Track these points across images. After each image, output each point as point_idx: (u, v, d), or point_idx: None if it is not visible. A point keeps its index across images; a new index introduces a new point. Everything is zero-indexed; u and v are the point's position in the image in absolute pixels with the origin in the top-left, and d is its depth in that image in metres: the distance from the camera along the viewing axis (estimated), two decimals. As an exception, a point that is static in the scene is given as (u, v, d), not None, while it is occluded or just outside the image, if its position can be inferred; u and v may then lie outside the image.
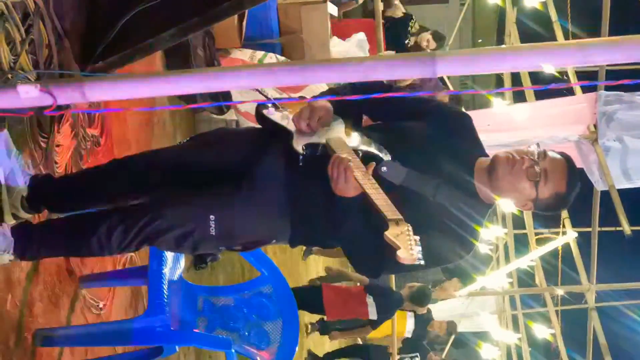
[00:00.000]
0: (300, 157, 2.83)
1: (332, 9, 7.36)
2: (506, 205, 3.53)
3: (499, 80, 14.12)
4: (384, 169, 2.73)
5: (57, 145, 3.59)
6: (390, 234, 2.31)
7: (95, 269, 3.99)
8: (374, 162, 2.69)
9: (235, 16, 5.86)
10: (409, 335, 10.05)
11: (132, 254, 4.45)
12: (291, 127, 2.90)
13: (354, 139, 2.84)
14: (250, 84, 1.65)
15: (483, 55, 1.56)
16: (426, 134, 2.98)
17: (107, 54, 3.67)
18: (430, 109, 3.13)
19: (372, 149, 2.79)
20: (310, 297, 8.47)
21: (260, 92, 3.21)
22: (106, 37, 3.66)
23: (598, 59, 1.56)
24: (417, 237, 2.31)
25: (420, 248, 2.28)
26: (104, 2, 3.97)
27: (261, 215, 2.92)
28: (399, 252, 2.27)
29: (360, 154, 2.73)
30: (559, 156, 2.95)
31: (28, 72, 3.23)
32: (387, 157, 2.77)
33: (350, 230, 2.80)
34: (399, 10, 9.48)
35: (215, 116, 5.94)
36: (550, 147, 3.00)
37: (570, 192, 2.95)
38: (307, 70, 1.62)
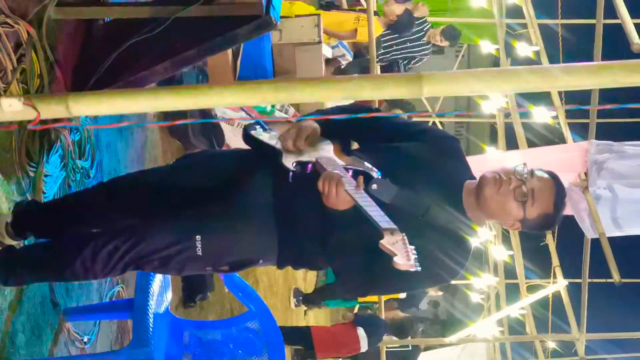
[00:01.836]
0: (290, 173, 2.81)
1: (326, 51, 7.42)
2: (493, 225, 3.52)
3: (492, 129, 14.21)
4: (374, 186, 2.70)
5: (46, 175, 3.58)
6: (386, 242, 2.32)
7: (81, 302, 3.94)
8: (363, 176, 2.68)
9: (230, 54, 5.88)
10: None
11: (120, 288, 4.43)
12: (279, 146, 2.89)
13: (344, 158, 2.83)
14: (236, 102, 1.64)
15: (469, 75, 1.56)
16: (415, 155, 2.96)
17: (99, 86, 3.66)
18: (418, 131, 3.11)
19: (362, 168, 2.78)
20: (299, 337, 8.43)
21: (247, 113, 3.20)
22: (99, 69, 3.66)
23: (582, 83, 1.56)
24: (413, 247, 2.31)
25: (416, 255, 2.28)
26: (98, 34, 3.99)
27: (248, 234, 2.89)
28: (395, 259, 2.28)
29: (351, 172, 2.72)
30: (546, 175, 2.92)
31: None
32: (377, 175, 2.76)
33: (339, 247, 2.79)
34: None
35: (204, 150, 5.94)
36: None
37: (558, 211, 2.93)
38: (295, 89, 1.62)
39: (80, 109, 1.66)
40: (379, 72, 7.06)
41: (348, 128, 2.97)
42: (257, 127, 2.99)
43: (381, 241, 2.33)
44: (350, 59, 8.66)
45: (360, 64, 8.61)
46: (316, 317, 11.61)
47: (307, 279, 11.63)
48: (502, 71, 1.60)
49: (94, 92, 1.65)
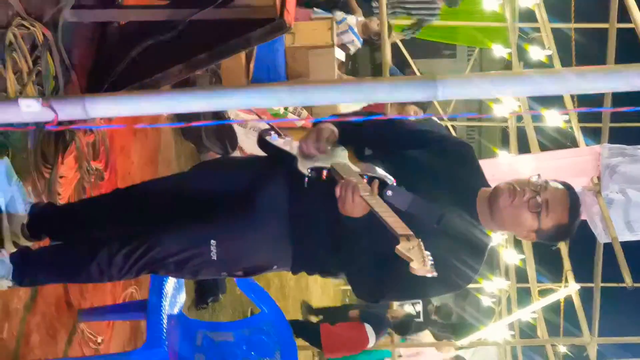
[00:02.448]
0: (306, 178, 2.82)
1: (339, 54, 7.43)
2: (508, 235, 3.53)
3: (504, 133, 14.17)
4: (389, 193, 2.71)
5: (61, 177, 3.61)
6: (402, 247, 2.33)
7: (95, 302, 3.97)
8: (380, 183, 2.70)
9: (243, 57, 5.91)
10: None
11: (133, 290, 4.45)
12: (294, 152, 2.91)
13: (358, 165, 2.84)
14: (253, 103, 1.66)
15: (484, 79, 1.57)
16: (429, 163, 2.97)
17: (114, 88, 3.69)
18: (432, 138, 3.12)
19: (377, 174, 2.78)
20: (308, 333, 8.45)
21: (259, 116, 3.22)
22: (114, 71, 3.70)
23: (596, 86, 1.57)
24: (429, 253, 2.32)
25: (432, 261, 2.29)
26: (113, 37, 4.02)
27: (262, 240, 2.91)
28: (412, 264, 2.29)
29: (366, 178, 2.73)
30: (560, 186, 2.93)
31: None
32: (391, 182, 2.77)
33: (354, 253, 2.80)
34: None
35: (220, 157, 5.97)
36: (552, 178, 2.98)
37: (572, 222, 2.93)
38: (310, 91, 1.63)
39: (97, 111, 1.67)
40: (389, 57, 6.96)
41: (362, 134, 2.99)
42: (272, 132, 3.01)
43: (397, 247, 2.34)
44: (360, 45, 8.60)
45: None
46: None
47: (318, 281, 11.64)
48: (517, 75, 1.61)
49: (111, 94, 1.67)
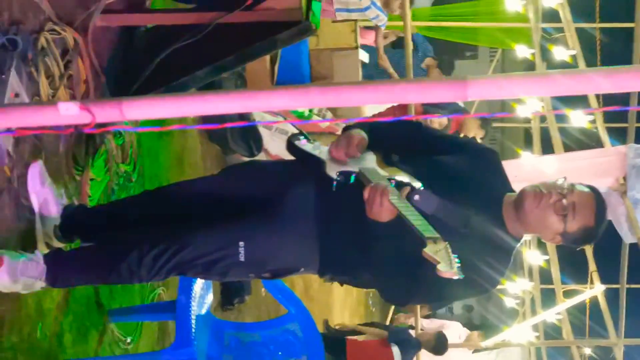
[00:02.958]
0: (334, 182, 2.85)
1: (364, 56, 7.44)
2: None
3: (528, 134, 14.14)
4: (416, 197, 2.73)
5: (91, 179, 3.66)
6: (429, 250, 2.36)
7: (124, 303, 4.02)
8: (408, 187, 2.73)
9: (268, 60, 5.96)
10: None
11: (161, 291, 4.50)
12: (323, 156, 2.94)
13: (386, 169, 2.87)
14: (284, 105, 1.69)
15: (515, 79, 1.59)
16: (455, 168, 3.00)
17: (142, 91, 3.74)
18: (457, 144, 3.16)
19: (405, 179, 2.81)
20: (333, 347, 8.42)
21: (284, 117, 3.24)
22: (142, 75, 3.74)
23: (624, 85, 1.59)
24: (456, 256, 2.35)
25: (459, 264, 2.32)
26: (141, 40, 4.07)
27: (290, 242, 2.95)
28: (438, 267, 2.32)
29: (394, 183, 2.76)
30: (587, 189, 2.94)
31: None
32: (419, 186, 2.79)
33: (381, 256, 2.82)
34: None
35: (245, 158, 6.01)
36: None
37: (599, 225, 2.94)
38: (341, 92, 1.66)
39: (133, 113, 1.71)
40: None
41: (390, 139, 3.03)
42: (301, 137, 3.05)
43: (424, 249, 2.37)
44: (385, 19, 8.51)
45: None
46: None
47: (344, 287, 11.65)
48: (543, 75, 1.63)
49: (147, 97, 1.71)
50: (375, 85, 1.64)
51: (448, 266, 2.32)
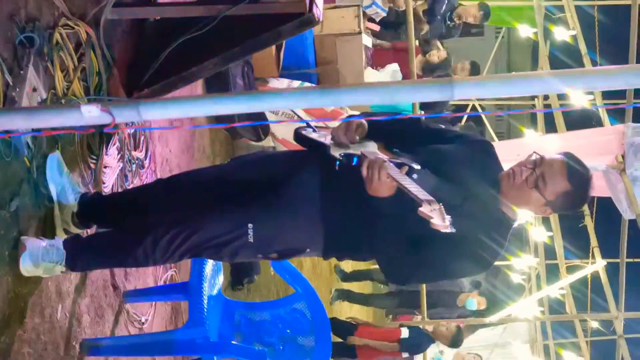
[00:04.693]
0: (337, 162, 2.96)
1: (367, 41, 7.54)
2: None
3: (532, 115, 14.22)
4: (414, 176, 2.85)
5: (105, 167, 3.81)
6: (425, 209, 2.44)
7: (138, 285, 4.18)
8: (407, 167, 2.83)
9: (274, 47, 6.06)
10: None
11: (173, 272, 4.65)
12: (328, 142, 3.08)
13: (387, 154, 2.98)
14: (287, 105, 1.84)
15: (494, 81, 1.74)
16: (453, 154, 3.14)
17: (152, 82, 3.86)
18: (454, 135, 3.30)
19: (404, 161, 2.91)
20: (342, 332, 8.61)
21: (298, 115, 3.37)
22: (152, 66, 3.87)
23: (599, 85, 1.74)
24: (449, 217, 2.43)
25: (451, 219, 2.41)
26: (151, 33, 4.20)
27: (296, 224, 3.08)
28: (432, 221, 2.41)
29: (393, 163, 2.86)
30: (557, 157, 3.04)
31: (80, 98, 3.46)
32: (417, 167, 2.91)
33: (382, 234, 2.96)
34: (435, 57, 9.18)
35: (253, 143, 6.13)
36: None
37: (577, 187, 3.03)
38: (338, 93, 1.81)
39: (150, 114, 1.86)
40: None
41: (389, 132, 3.14)
42: (308, 128, 3.19)
43: (420, 208, 2.45)
44: (384, 14, 8.59)
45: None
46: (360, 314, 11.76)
47: (349, 262, 11.80)
48: (527, 76, 1.77)
49: (161, 98, 1.87)
50: (370, 86, 1.79)
51: (441, 221, 2.40)
